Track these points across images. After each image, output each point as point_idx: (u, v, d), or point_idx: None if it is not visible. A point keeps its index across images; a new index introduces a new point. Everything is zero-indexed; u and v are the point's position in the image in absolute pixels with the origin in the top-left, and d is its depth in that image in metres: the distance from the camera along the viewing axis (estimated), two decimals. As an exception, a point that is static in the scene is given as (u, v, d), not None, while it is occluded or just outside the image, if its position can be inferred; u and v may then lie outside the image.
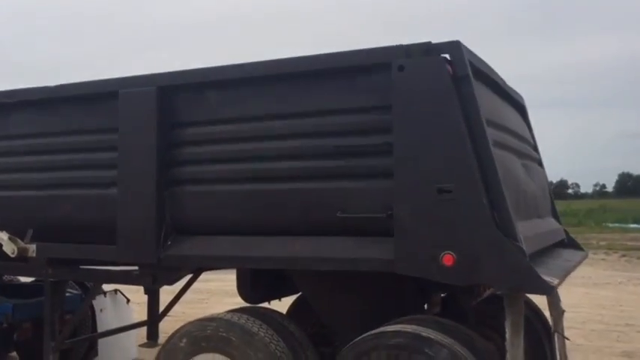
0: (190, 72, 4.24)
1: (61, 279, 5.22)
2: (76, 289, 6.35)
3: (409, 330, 3.58)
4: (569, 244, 5.19)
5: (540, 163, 5.30)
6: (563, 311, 5.26)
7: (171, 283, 4.93)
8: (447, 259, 3.45)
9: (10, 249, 4.70)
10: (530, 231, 3.82)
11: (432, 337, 3.51)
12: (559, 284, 3.43)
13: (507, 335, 3.40)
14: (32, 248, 4.74)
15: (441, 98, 3.51)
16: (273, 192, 3.96)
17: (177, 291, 6.15)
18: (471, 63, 3.65)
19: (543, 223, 4.50)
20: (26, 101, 4.88)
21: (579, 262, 4.71)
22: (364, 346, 3.64)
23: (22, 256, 4.74)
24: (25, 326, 5.93)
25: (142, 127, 4.28)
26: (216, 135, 4.14)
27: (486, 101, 3.85)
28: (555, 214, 5.25)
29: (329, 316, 4.47)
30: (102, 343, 6.51)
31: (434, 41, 3.59)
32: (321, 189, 3.83)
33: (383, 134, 3.65)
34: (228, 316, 4.15)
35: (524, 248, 3.39)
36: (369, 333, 3.67)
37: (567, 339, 4.81)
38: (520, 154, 4.39)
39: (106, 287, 6.79)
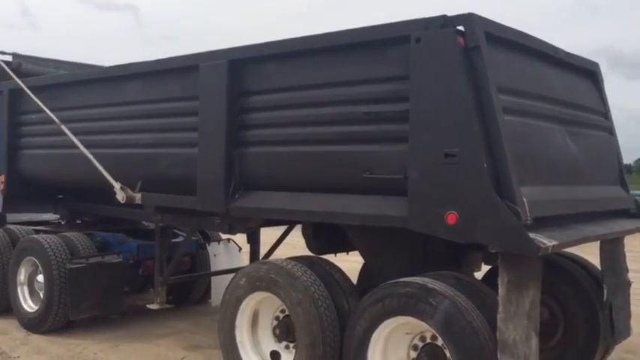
0: (251, 47, 4.82)
1: (166, 224, 6.18)
2: (196, 237, 7.39)
3: (418, 281, 3.93)
4: (636, 214, 5.06)
5: (610, 131, 5.19)
6: (630, 282, 5.16)
7: (244, 231, 5.67)
8: (451, 218, 3.74)
9: (120, 196, 5.71)
10: (549, 196, 3.93)
11: (437, 288, 3.83)
12: (556, 248, 3.53)
13: (501, 292, 3.61)
14: (138, 197, 5.71)
15: (451, 68, 3.75)
16: (314, 154, 4.46)
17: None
18: (489, 34, 3.83)
19: (588, 190, 4.48)
20: (135, 73, 5.80)
21: (629, 232, 4.64)
22: (381, 293, 4.06)
23: (130, 203, 5.73)
24: (148, 263, 7.00)
25: (216, 95, 4.97)
26: (271, 102, 4.71)
27: (508, 69, 3.98)
28: (624, 183, 5.13)
29: (373, 267, 4.90)
30: (215, 285, 7.50)
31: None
32: (352, 152, 4.26)
33: (403, 102, 3.97)
34: (279, 261, 4.76)
35: (524, 211, 3.57)
36: (386, 282, 4.07)
37: (616, 309, 4.75)
38: (561, 121, 4.42)
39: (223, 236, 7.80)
